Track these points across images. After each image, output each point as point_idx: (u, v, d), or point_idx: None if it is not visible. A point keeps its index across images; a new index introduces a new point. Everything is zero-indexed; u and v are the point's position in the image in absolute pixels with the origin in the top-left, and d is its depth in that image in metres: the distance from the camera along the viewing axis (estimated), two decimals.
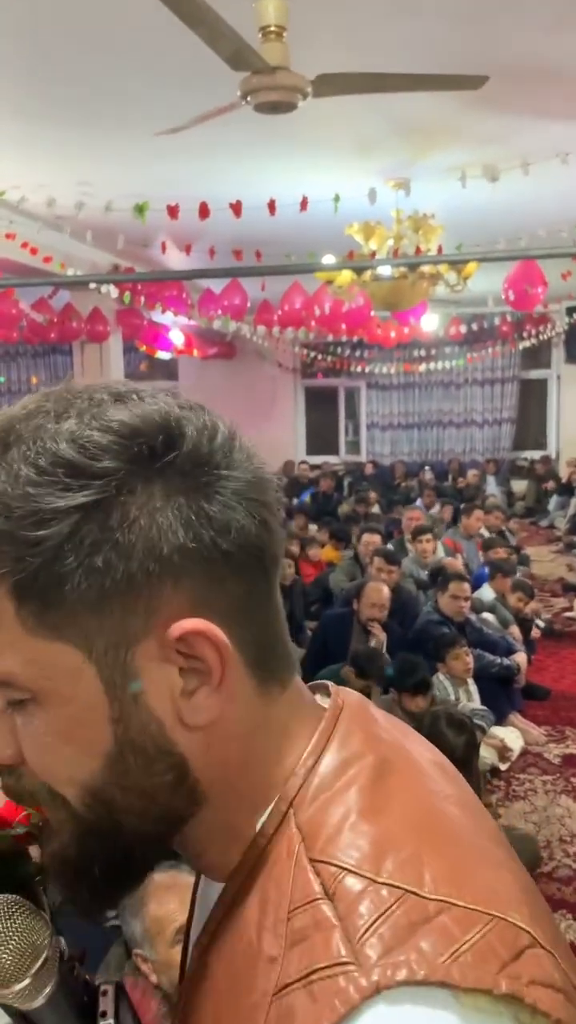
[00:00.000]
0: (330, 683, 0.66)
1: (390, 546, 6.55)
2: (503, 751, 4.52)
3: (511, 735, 4.68)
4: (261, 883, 0.55)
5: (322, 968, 0.48)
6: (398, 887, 0.51)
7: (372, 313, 7.02)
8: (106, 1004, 0.62)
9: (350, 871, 0.52)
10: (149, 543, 0.52)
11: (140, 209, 5.46)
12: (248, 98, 3.15)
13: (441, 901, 0.50)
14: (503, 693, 4.98)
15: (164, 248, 6.47)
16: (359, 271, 6.07)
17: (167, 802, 0.56)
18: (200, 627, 0.53)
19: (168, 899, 1.87)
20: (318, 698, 0.65)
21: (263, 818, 0.57)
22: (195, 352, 11.33)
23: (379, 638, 4.77)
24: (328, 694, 0.64)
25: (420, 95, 3.82)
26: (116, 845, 0.56)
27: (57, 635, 0.52)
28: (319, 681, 0.67)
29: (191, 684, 0.54)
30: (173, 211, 5.34)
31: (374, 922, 0.49)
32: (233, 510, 0.54)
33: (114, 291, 6.53)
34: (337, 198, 5.67)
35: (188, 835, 0.59)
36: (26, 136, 4.76)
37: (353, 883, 0.51)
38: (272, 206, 5.39)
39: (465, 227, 6.44)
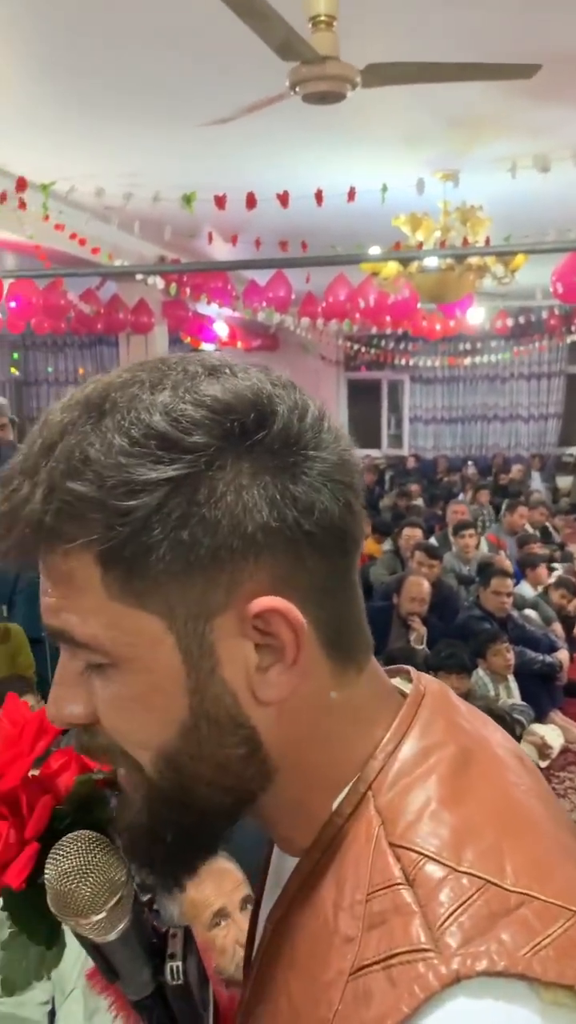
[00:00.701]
0: (411, 668, 0.66)
1: (432, 541, 6.52)
2: (543, 748, 4.48)
3: (551, 732, 4.63)
4: (337, 863, 0.56)
5: (401, 953, 0.49)
6: (479, 877, 0.51)
7: (418, 305, 6.97)
8: (175, 946, 0.64)
9: (431, 858, 0.52)
10: (234, 520, 0.53)
11: (188, 199, 5.49)
12: (297, 88, 3.14)
13: (522, 894, 0.50)
14: (544, 690, 4.93)
15: (210, 239, 6.48)
16: (405, 262, 6.02)
17: (238, 774, 0.57)
18: (278, 606, 0.54)
19: (204, 884, 1.89)
20: (397, 682, 0.66)
21: (339, 798, 0.58)
22: (239, 344, 11.35)
23: (419, 632, 4.75)
24: (409, 679, 0.65)
25: (470, 85, 3.77)
26: (187, 813, 0.57)
27: (140, 603, 0.54)
28: (399, 665, 0.67)
29: (266, 660, 0.56)
30: (220, 201, 5.35)
31: (455, 911, 0.50)
32: (318, 491, 0.55)
33: (160, 282, 6.56)
34: (385, 188, 5.63)
35: (260, 808, 0.60)
36: (74, 127, 4.81)
37: (434, 870, 0.52)
38: (319, 196, 5.37)
39: (514, 219, 6.35)
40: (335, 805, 0.58)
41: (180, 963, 0.64)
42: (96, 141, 5.04)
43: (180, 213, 5.76)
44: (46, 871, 0.59)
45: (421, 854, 0.52)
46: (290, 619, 0.55)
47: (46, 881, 0.59)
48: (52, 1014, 2.52)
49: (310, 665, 0.57)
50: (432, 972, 0.48)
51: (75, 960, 0.76)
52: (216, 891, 1.85)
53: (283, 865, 0.64)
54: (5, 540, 0.55)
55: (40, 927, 0.64)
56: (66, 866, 0.59)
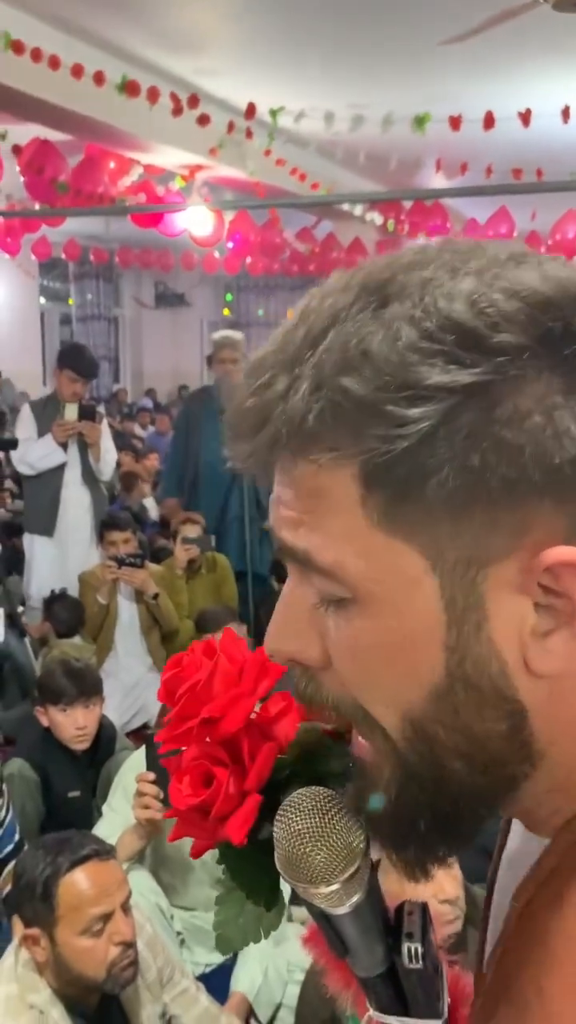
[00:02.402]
0: None
1: None
2: None
3: None
4: None
5: None
6: None
7: None
8: (411, 925, 0.57)
9: None
10: (539, 447, 0.42)
11: (420, 121, 5.21)
12: None
13: None
14: None
15: (439, 167, 6.18)
16: None
17: (497, 753, 0.47)
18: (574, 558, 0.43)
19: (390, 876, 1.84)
20: None
21: None
22: None
23: None
24: None
25: None
26: (442, 795, 0.48)
27: (403, 535, 0.44)
28: None
29: (546, 624, 0.45)
30: (455, 122, 5.04)
31: None
32: None
33: (378, 218, 6.39)
34: None
35: (519, 800, 0.51)
36: (303, 57, 4.72)
37: None
38: (567, 113, 4.96)
39: None
40: None
41: (419, 945, 0.56)
42: (325, 70, 4.94)
43: (407, 143, 5.52)
44: (275, 830, 0.53)
45: None
46: None
47: (275, 841, 0.53)
48: None
49: None
50: None
51: None
52: (399, 884, 1.79)
53: (526, 850, 0.55)
54: (249, 441, 0.47)
55: (260, 886, 0.58)
56: (300, 826, 0.52)
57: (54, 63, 4.39)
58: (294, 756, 0.58)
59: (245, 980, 2.45)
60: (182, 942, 2.54)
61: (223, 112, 5.41)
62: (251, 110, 5.12)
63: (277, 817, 0.53)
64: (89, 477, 4.59)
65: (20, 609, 4.42)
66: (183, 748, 0.57)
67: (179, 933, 2.53)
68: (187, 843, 0.59)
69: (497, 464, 0.42)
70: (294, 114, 5.52)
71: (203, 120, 5.09)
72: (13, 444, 4.52)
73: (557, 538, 0.44)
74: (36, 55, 4.26)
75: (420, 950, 0.56)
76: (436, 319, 0.43)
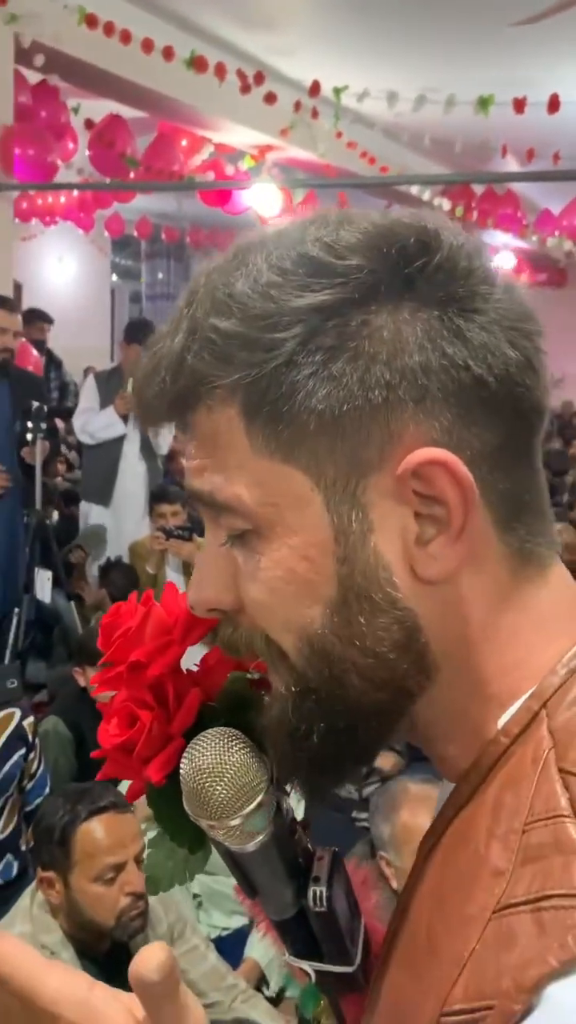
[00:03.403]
0: None
1: None
2: None
3: None
4: (497, 786, 0.48)
5: (557, 896, 0.42)
6: None
7: None
8: (319, 870, 0.59)
9: None
10: (391, 355, 0.47)
11: (484, 103, 5.13)
12: None
13: None
14: None
15: (504, 151, 6.06)
16: None
17: (393, 664, 0.49)
18: (440, 457, 0.47)
19: (421, 811, 1.87)
20: None
21: (508, 715, 0.50)
22: (522, 278, 10.76)
23: None
24: None
25: None
26: (337, 712, 0.51)
27: (285, 457, 0.48)
28: None
29: (427, 533, 0.48)
30: (519, 104, 4.96)
31: None
32: (493, 335, 0.48)
33: (446, 204, 6.31)
34: None
35: (418, 718, 0.52)
36: (368, 36, 4.68)
37: None
38: None
39: None
40: (502, 723, 0.50)
41: (324, 888, 0.58)
42: (392, 50, 4.90)
43: (472, 126, 5.43)
44: (181, 766, 0.55)
45: None
46: (456, 475, 0.47)
47: (180, 777, 0.55)
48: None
49: (481, 547, 0.49)
50: None
51: None
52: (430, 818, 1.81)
53: (446, 794, 0.56)
54: (149, 394, 0.51)
55: (184, 830, 0.61)
56: (201, 762, 0.54)
57: (125, 37, 4.44)
58: (223, 705, 0.61)
59: (259, 948, 2.50)
60: (199, 904, 2.60)
61: (289, 90, 5.40)
62: (315, 88, 5.11)
63: (183, 755, 0.55)
64: (147, 450, 4.69)
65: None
66: (115, 691, 0.61)
67: (196, 895, 2.60)
68: None
69: (354, 372, 0.46)
70: (357, 94, 5.47)
71: (270, 99, 5.09)
72: (69, 413, 4.62)
73: (426, 444, 0.47)
74: (109, 29, 4.32)
75: (325, 893, 0.57)
76: (289, 258, 0.48)
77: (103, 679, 0.60)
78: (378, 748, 0.54)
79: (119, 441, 4.62)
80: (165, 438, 4.76)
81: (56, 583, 3.81)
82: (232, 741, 0.55)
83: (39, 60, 4.38)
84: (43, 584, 3.74)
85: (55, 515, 4.71)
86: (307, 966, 0.62)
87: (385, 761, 3.10)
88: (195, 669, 0.63)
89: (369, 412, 0.47)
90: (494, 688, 0.50)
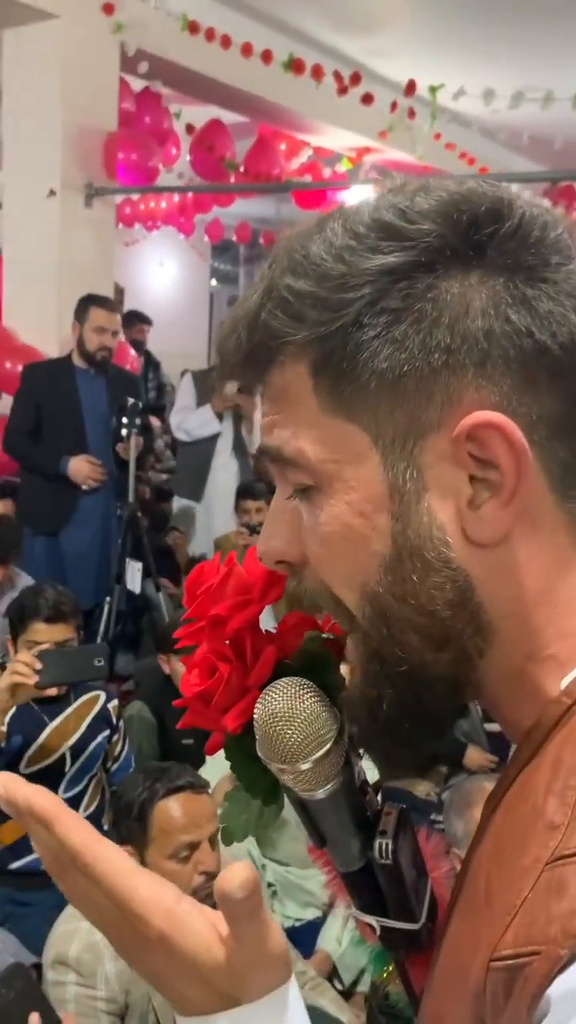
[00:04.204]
0: None
1: None
2: None
3: None
4: (557, 744, 0.49)
5: None
6: None
7: None
8: (387, 824, 0.61)
9: None
10: (454, 319, 0.48)
11: None
12: None
13: None
14: None
15: None
16: None
17: (448, 622, 0.50)
18: (496, 420, 0.47)
19: None
20: None
21: (569, 677, 0.50)
22: None
23: None
24: None
25: None
26: (403, 676, 0.52)
27: (347, 415, 0.50)
28: None
29: (481, 496, 0.49)
30: None
31: None
32: (560, 304, 0.48)
33: (546, 203, 6.19)
34: None
35: (482, 681, 0.54)
36: (464, 34, 4.63)
37: None
38: None
39: None
40: (564, 683, 0.50)
41: (390, 842, 0.59)
42: (486, 48, 4.85)
43: (572, 122, 5.31)
44: (255, 712, 0.58)
45: None
46: (510, 439, 0.47)
47: (254, 722, 0.58)
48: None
49: (537, 510, 0.50)
50: None
51: None
52: None
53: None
54: (227, 350, 0.54)
55: (258, 781, 0.64)
56: (275, 707, 0.57)
57: (225, 42, 4.53)
58: (299, 664, 0.63)
59: (332, 941, 2.51)
60: (274, 894, 2.63)
61: (386, 91, 5.40)
62: (411, 87, 5.09)
63: (258, 701, 0.58)
64: (240, 448, 4.77)
65: None
66: (197, 645, 0.64)
67: (271, 885, 2.63)
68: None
69: (419, 335, 0.48)
70: (453, 92, 5.43)
71: (367, 99, 5.11)
72: (161, 409, 4.73)
73: (484, 409, 0.48)
74: (209, 35, 4.42)
75: (390, 846, 0.59)
76: (364, 223, 0.50)
77: (186, 633, 0.63)
78: (450, 717, 0.56)
79: (213, 439, 4.72)
80: (257, 436, 4.83)
81: (146, 574, 3.91)
82: (304, 690, 0.57)
83: (143, 67, 4.51)
84: (133, 575, 3.84)
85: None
86: (372, 920, 0.63)
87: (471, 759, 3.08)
88: (273, 631, 0.65)
89: (429, 375, 0.48)
90: (554, 650, 0.51)
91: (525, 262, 0.49)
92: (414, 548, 0.50)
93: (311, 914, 2.66)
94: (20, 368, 4.04)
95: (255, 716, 0.58)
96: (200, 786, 1.87)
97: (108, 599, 3.85)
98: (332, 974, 2.52)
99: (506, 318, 0.48)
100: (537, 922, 0.43)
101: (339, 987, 2.45)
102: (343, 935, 2.52)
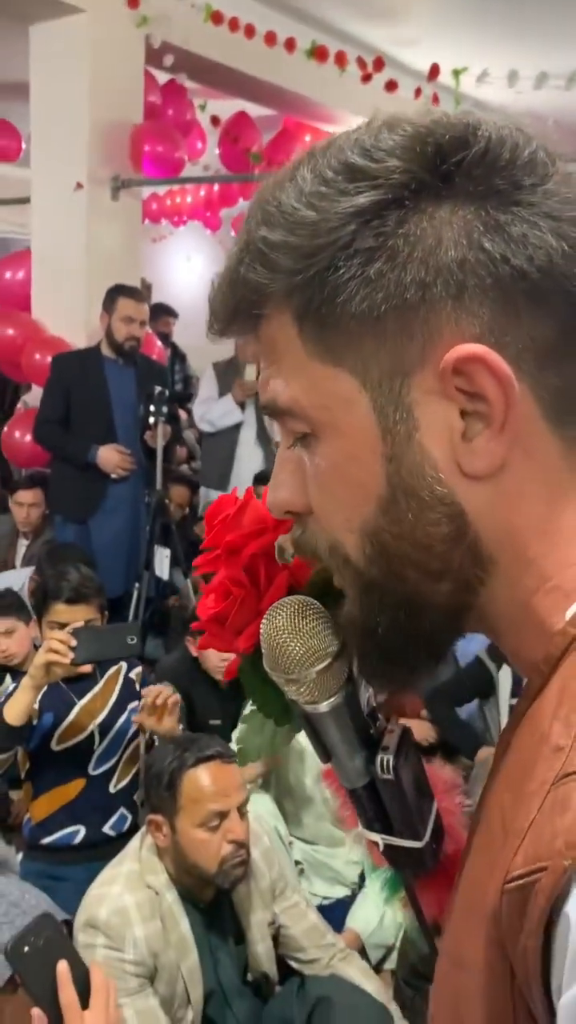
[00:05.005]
0: None
1: None
2: None
3: None
4: (563, 673, 0.50)
5: None
6: None
7: None
8: (389, 740, 0.63)
9: None
10: (427, 252, 0.48)
11: None
12: None
13: None
14: None
15: None
16: None
17: (446, 557, 0.51)
18: (477, 352, 0.47)
19: None
20: None
21: (572, 610, 0.51)
22: None
23: None
24: None
25: None
26: (400, 603, 0.53)
27: (334, 360, 0.51)
28: None
29: (474, 429, 0.49)
30: None
31: None
32: (535, 227, 0.48)
33: None
34: None
35: (485, 612, 0.54)
36: (485, 19, 4.60)
37: None
38: None
39: None
40: (569, 614, 0.51)
41: (391, 757, 0.62)
42: (509, 32, 4.79)
43: None
44: (261, 628, 0.60)
45: None
46: (494, 370, 0.47)
47: (261, 637, 0.60)
48: (362, 879, 2.69)
49: (528, 438, 0.49)
50: None
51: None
52: None
53: None
54: (216, 308, 0.55)
55: (271, 701, 0.67)
56: (279, 623, 0.59)
57: (249, 31, 4.56)
58: (310, 593, 0.65)
59: (361, 919, 2.53)
60: (301, 872, 2.66)
61: (409, 80, 5.39)
62: (435, 71, 5.08)
63: (264, 617, 0.60)
64: (263, 436, 4.79)
65: None
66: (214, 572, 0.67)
67: (298, 863, 2.65)
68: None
69: (393, 271, 0.48)
70: (476, 75, 5.40)
71: (391, 87, 5.10)
72: (187, 398, 4.77)
73: (467, 341, 0.48)
74: (233, 24, 4.44)
75: (392, 762, 0.61)
76: (331, 167, 0.49)
77: (204, 560, 0.66)
78: (447, 641, 0.56)
79: (236, 428, 4.75)
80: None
81: (174, 561, 3.95)
82: (308, 607, 0.60)
83: (168, 60, 4.54)
84: (162, 562, 3.89)
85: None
86: (377, 838, 0.66)
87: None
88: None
89: (408, 311, 0.48)
90: (558, 581, 0.51)
91: (495, 187, 0.48)
92: (408, 488, 0.50)
93: (339, 892, 2.68)
94: (49, 359, 4.10)
95: (261, 632, 0.60)
96: (229, 756, 1.89)
97: (137, 585, 3.90)
98: (360, 953, 2.53)
99: (480, 246, 0.47)
100: (544, 839, 0.44)
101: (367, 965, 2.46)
102: (372, 914, 2.54)
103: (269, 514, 0.67)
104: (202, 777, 1.85)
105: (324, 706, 0.60)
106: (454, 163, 0.48)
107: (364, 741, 0.63)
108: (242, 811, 1.88)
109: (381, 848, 0.66)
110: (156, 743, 2.59)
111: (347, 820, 0.72)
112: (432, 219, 0.48)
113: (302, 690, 0.60)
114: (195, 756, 1.86)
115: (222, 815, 1.84)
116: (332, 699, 0.60)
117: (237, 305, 0.53)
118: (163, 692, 2.35)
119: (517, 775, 0.50)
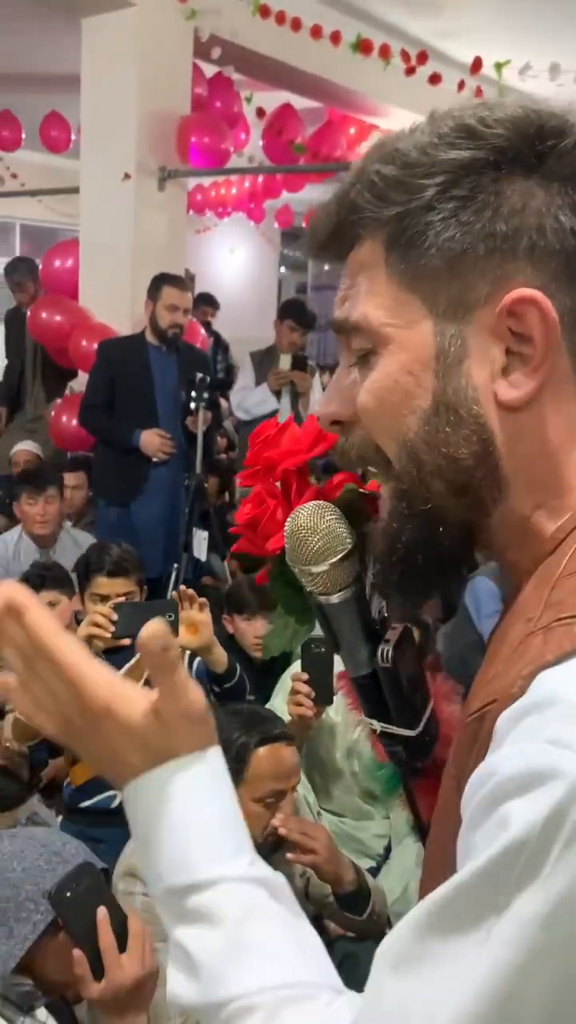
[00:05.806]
0: None
1: None
2: None
3: None
4: (543, 567, 0.57)
5: (565, 618, 0.51)
6: None
7: None
8: (392, 634, 0.71)
9: None
10: (512, 212, 0.56)
11: None
12: None
13: None
14: None
15: None
16: None
17: (470, 471, 0.58)
18: (535, 295, 0.55)
19: None
20: None
21: (561, 521, 0.59)
22: None
23: None
24: None
25: None
26: (424, 513, 0.60)
27: (411, 286, 0.58)
28: None
29: (513, 366, 0.57)
30: None
31: None
32: None
33: None
34: None
35: (492, 530, 0.61)
36: (532, 13, 4.59)
37: None
38: None
39: None
40: (559, 524, 0.59)
41: (391, 648, 0.69)
42: (554, 25, 4.77)
43: None
44: (285, 526, 0.69)
45: None
46: (544, 312, 0.55)
47: (285, 535, 0.68)
48: (387, 851, 2.74)
49: (560, 386, 0.57)
50: None
51: (406, 824, 0.81)
52: None
53: None
54: (317, 224, 0.63)
55: (294, 603, 0.75)
56: (300, 521, 0.68)
57: (296, 25, 4.62)
58: (339, 510, 0.73)
59: (385, 889, 2.58)
60: None
61: (453, 73, 5.40)
62: (477, 64, 5.09)
63: (288, 517, 0.69)
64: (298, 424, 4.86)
65: None
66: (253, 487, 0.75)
67: None
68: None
69: (479, 221, 0.56)
70: (519, 68, 5.40)
71: (435, 80, 5.13)
72: (229, 386, 4.84)
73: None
74: (280, 18, 4.51)
75: (391, 653, 0.69)
76: (449, 125, 0.58)
77: (244, 475, 0.74)
78: (460, 558, 0.63)
79: (272, 416, 4.82)
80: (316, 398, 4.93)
81: (212, 544, 4.03)
82: (326, 510, 0.69)
83: (215, 53, 4.62)
84: (200, 544, 3.97)
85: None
86: (376, 724, 0.73)
87: None
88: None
89: (485, 256, 0.56)
90: (556, 502, 0.59)
91: None
92: (451, 404, 0.58)
93: (365, 863, 2.72)
94: (95, 345, 4.20)
95: (285, 530, 0.69)
96: (290, 738, 1.98)
97: (176, 566, 3.98)
98: (386, 924, 2.58)
99: (556, 217, 0.56)
100: (502, 682, 0.51)
101: None
102: (395, 885, 2.59)
103: (305, 437, 0.74)
104: (270, 756, 1.92)
105: (335, 598, 0.69)
106: (549, 145, 0.56)
107: (369, 636, 0.71)
108: (293, 790, 1.96)
109: (377, 732, 0.73)
110: None
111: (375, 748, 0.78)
112: (522, 186, 0.56)
113: (317, 579, 0.68)
114: (262, 735, 1.93)
115: (279, 794, 1.91)
116: (343, 592, 0.68)
117: (339, 225, 0.61)
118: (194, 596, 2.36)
119: (495, 650, 0.58)
